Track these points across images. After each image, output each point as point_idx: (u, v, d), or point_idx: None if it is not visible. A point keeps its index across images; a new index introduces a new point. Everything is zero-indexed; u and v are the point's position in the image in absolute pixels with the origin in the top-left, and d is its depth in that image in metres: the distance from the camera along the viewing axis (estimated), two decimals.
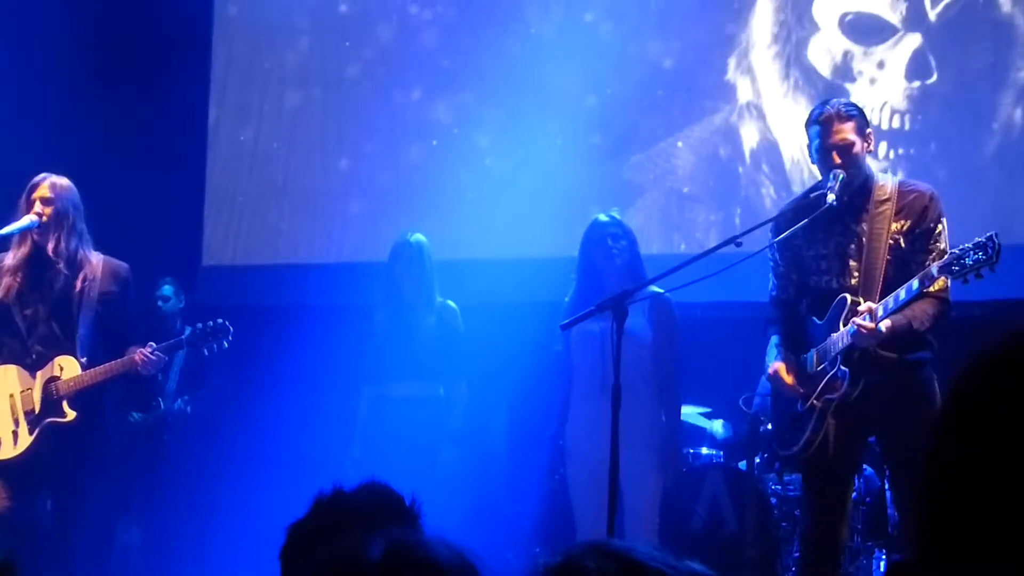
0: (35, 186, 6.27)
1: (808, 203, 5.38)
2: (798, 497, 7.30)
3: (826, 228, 5.37)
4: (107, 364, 6.18)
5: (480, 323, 7.26)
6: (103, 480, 6.53)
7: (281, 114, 9.59)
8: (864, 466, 6.90)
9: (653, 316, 6.39)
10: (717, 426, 8.04)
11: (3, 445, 6.19)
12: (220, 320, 6.44)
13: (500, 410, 8.24)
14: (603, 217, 6.58)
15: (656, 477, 6.36)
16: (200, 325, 6.44)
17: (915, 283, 5.03)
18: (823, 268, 5.43)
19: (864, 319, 5.09)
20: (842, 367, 5.24)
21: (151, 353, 6.19)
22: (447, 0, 9.18)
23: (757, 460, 7.38)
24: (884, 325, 5.09)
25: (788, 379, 5.46)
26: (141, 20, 9.44)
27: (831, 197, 5.19)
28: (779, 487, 7.37)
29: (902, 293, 5.07)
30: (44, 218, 6.22)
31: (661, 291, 6.01)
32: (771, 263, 5.63)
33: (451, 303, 7.00)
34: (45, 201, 6.23)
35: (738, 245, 5.15)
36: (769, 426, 7.51)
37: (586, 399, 6.38)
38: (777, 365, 5.49)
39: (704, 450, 7.78)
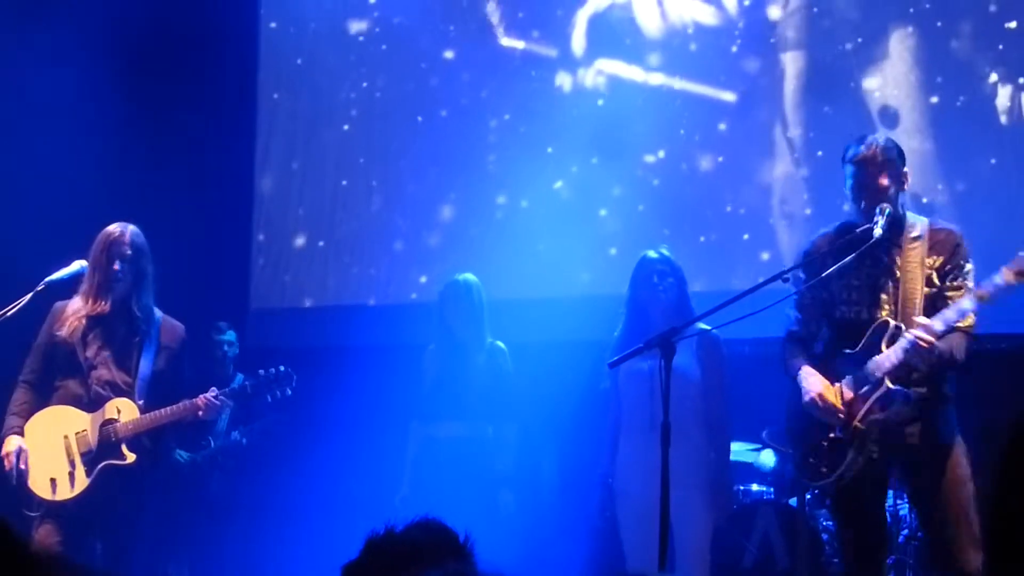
0: (115, 241, 6.31)
1: (851, 237, 5.38)
2: None
3: (858, 260, 5.36)
4: (169, 408, 6.21)
5: (529, 362, 7.25)
6: (152, 521, 6.54)
7: (325, 157, 9.67)
8: None
9: (701, 353, 6.37)
10: (765, 457, 7.99)
11: (59, 486, 6.21)
12: (283, 367, 6.44)
13: (550, 450, 8.22)
14: (651, 254, 6.56)
15: (707, 515, 6.32)
16: (263, 372, 6.44)
17: (966, 303, 5.11)
18: (853, 298, 5.44)
19: (922, 332, 5.11)
20: (892, 385, 5.24)
21: (215, 398, 6.22)
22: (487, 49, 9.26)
23: (808, 496, 7.34)
24: (940, 345, 5.14)
25: (834, 400, 5.40)
26: (190, 65, 9.55)
27: (878, 231, 5.22)
28: (831, 523, 7.31)
29: (953, 313, 5.13)
30: (124, 268, 6.27)
31: (708, 328, 5.98)
32: (796, 296, 5.60)
33: (500, 344, 7.00)
34: (126, 259, 6.29)
35: (785, 281, 5.13)
36: (811, 459, 7.48)
37: (635, 437, 6.35)
38: (821, 388, 5.43)
39: (755, 487, 7.74)
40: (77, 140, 8.67)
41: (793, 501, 7.46)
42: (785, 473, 7.92)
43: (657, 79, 8.63)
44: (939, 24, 7.97)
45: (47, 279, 6.29)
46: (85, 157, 8.69)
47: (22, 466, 6.19)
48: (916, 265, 5.31)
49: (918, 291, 5.28)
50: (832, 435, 5.41)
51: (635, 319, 6.44)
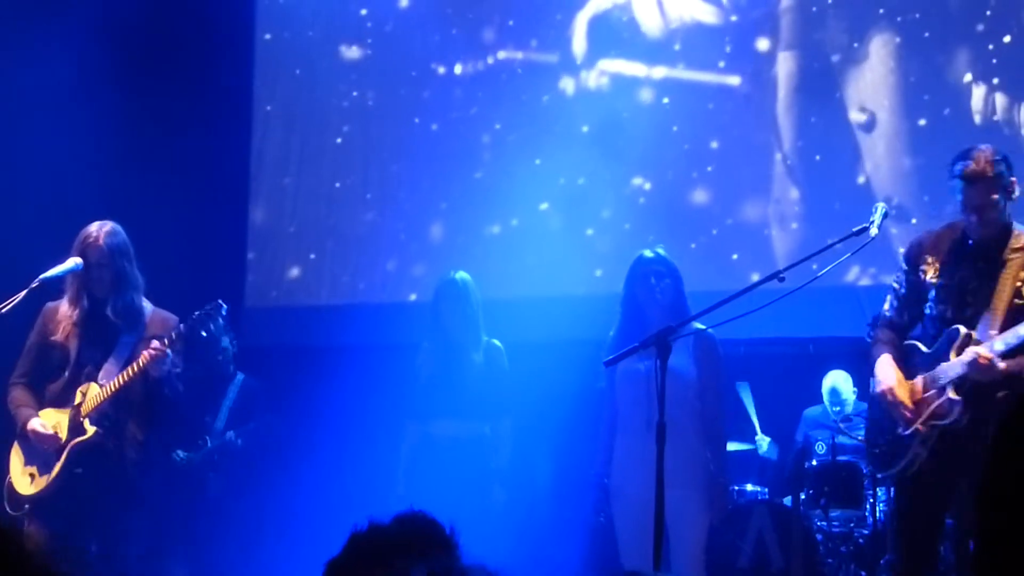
0: (90, 246, 6.29)
1: (855, 234, 5.42)
2: (843, 533, 7.27)
3: (956, 262, 5.48)
4: (119, 375, 6.20)
5: (525, 361, 7.24)
6: (148, 519, 6.51)
7: (323, 156, 9.65)
8: None
9: (697, 353, 6.33)
10: (764, 444, 8.02)
11: (36, 479, 6.24)
12: (216, 301, 6.34)
13: (545, 449, 8.22)
14: (648, 253, 6.50)
15: (702, 514, 6.29)
16: (196, 312, 6.33)
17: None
18: (942, 297, 5.50)
19: (984, 349, 5.20)
20: (952, 395, 5.30)
21: (155, 349, 6.14)
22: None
23: (802, 496, 7.35)
24: (1000, 364, 5.19)
25: (903, 398, 5.48)
26: (184, 66, 9.55)
27: (874, 231, 5.25)
28: (824, 523, 7.33)
29: (1013, 336, 5.17)
30: (100, 272, 6.26)
31: (704, 327, 5.97)
32: (895, 285, 5.73)
33: (496, 342, 6.97)
34: (103, 263, 6.27)
35: (781, 280, 5.13)
36: (814, 462, 7.50)
37: (631, 437, 6.32)
38: (895, 382, 5.51)
39: (749, 487, 7.75)
40: (72, 140, 8.67)
41: (788, 501, 7.48)
42: (781, 473, 7.94)
43: (649, 90, 8.65)
44: (926, 35, 8.01)
45: (42, 276, 6.26)
46: (80, 157, 8.69)
47: (51, 432, 6.20)
48: (1010, 276, 5.35)
49: (1003, 302, 5.33)
50: (899, 430, 5.48)
51: (631, 318, 6.40)
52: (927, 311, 5.56)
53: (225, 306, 6.38)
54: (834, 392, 8.18)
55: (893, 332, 5.71)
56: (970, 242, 5.44)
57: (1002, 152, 5.51)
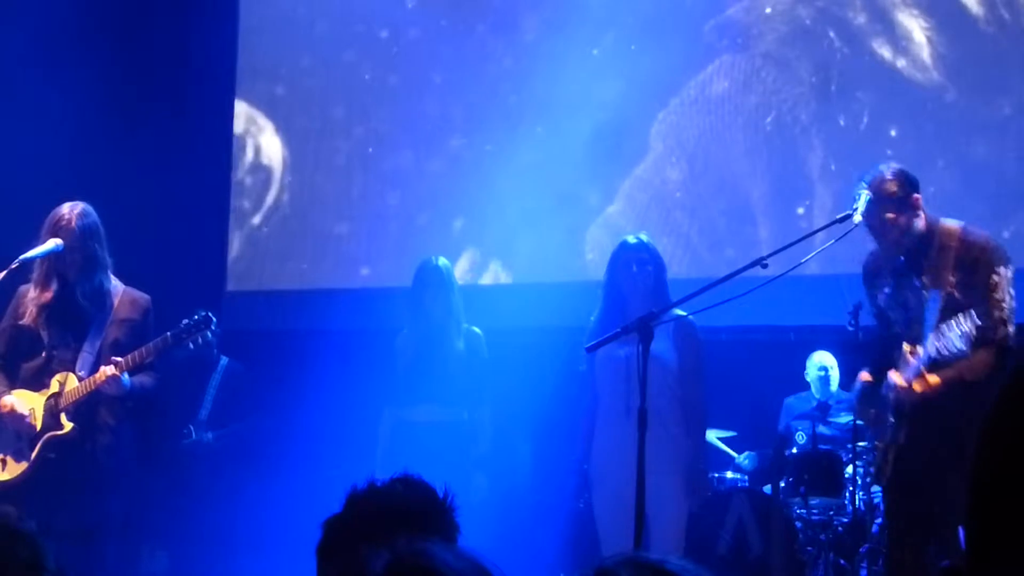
0: (63, 228, 6.24)
1: (839, 221, 5.42)
2: (823, 521, 7.29)
3: (896, 282, 5.53)
4: (89, 377, 6.15)
5: (505, 348, 7.23)
6: (126, 506, 6.47)
7: (306, 141, 9.63)
8: None
9: (678, 339, 6.33)
10: (743, 459, 8.02)
11: (8, 465, 6.20)
12: (204, 312, 6.30)
13: (525, 435, 8.21)
14: (631, 239, 6.50)
15: (682, 501, 6.30)
16: (185, 321, 6.30)
17: (957, 342, 5.06)
18: (893, 319, 5.57)
19: (898, 377, 5.29)
20: (891, 417, 5.39)
21: (109, 374, 6.10)
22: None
23: (782, 484, 7.35)
24: (932, 380, 5.19)
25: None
26: (169, 51, 9.54)
27: (857, 218, 5.27)
28: (804, 511, 7.33)
29: (942, 348, 5.12)
30: (72, 255, 6.22)
31: (685, 314, 5.96)
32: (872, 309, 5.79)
33: (476, 329, 6.96)
34: (74, 247, 6.23)
35: (764, 267, 5.12)
36: (794, 450, 7.53)
37: (611, 423, 6.32)
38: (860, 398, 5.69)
39: (729, 474, 7.76)
40: (58, 129, 8.68)
41: (767, 489, 7.49)
42: (762, 464, 7.96)
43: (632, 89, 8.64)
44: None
45: (21, 257, 6.23)
46: (66, 148, 8.68)
47: (27, 412, 6.16)
48: (939, 281, 5.34)
49: (935, 313, 5.31)
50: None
51: (612, 304, 6.39)
52: (893, 332, 5.60)
53: (215, 319, 6.34)
54: (823, 367, 8.18)
55: (882, 346, 5.74)
56: (900, 259, 5.45)
57: (901, 171, 5.49)
